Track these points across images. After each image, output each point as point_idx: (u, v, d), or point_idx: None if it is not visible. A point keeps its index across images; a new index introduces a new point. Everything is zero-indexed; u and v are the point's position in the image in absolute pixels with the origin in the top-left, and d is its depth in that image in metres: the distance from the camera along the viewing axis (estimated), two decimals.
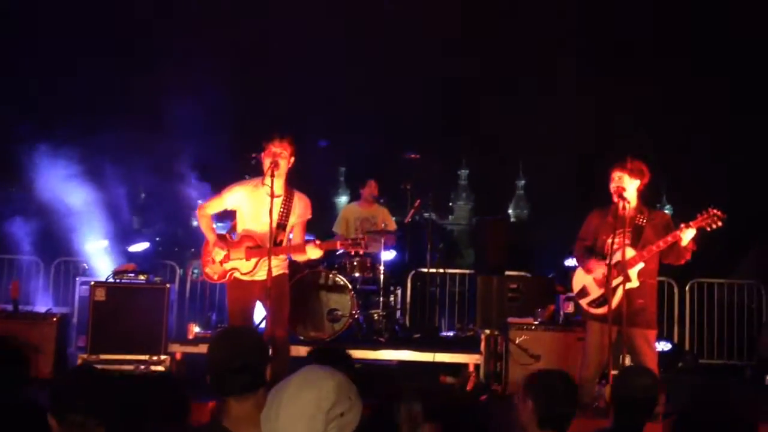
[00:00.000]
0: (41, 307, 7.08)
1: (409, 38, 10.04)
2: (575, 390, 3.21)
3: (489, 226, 9.31)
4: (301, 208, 5.39)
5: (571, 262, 7.14)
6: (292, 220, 5.35)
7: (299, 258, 5.40)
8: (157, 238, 9.88)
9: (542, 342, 6.57)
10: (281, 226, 5.24)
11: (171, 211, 10.27)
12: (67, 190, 8.42)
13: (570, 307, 6.96)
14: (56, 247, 8.83)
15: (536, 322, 6.76)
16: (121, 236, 9.45)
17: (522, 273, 8.35)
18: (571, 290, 5.70)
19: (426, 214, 9.36)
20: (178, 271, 9.21)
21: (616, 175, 5.17)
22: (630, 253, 5.02)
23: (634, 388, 3.34)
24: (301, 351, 6.14)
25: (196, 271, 8.30)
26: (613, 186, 5.17)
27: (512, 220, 12.30)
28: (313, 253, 5.24)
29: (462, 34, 9.78)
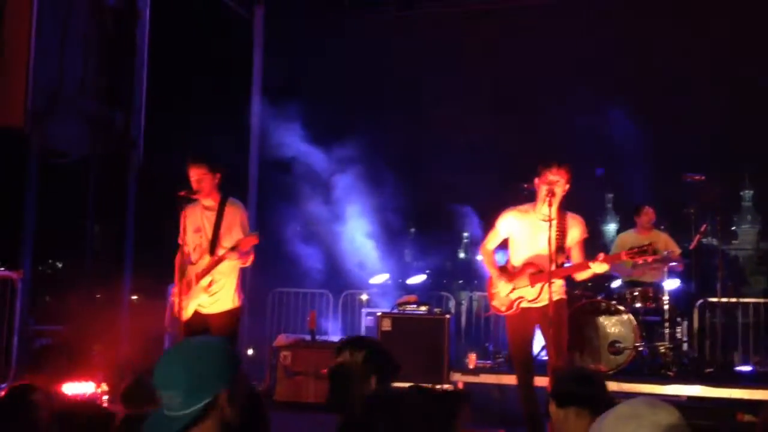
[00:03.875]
0: (334, 337, 7.65)
1: (676, 53, 9.45)
2: None
3: None
4: (576, 228, 5.28)
5: None
6: (568, 241, 5.26)
7: (582, 275, 5.29)
8: (428, 271, 10.26)
9: None
10: (559, 248, 5.18)
11: (439, 244, 10.61)
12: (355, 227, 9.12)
13: None
14: (342, 281, 9.52)
15: None
16: (398, 269, 9.96)
17: None
18: None
19: (706, 239, 8.74)
20: (453, 302, 9.47)
21: None
22: None
23: None
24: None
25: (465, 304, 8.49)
26: None
27: None
28: (599, 267, 5.09)
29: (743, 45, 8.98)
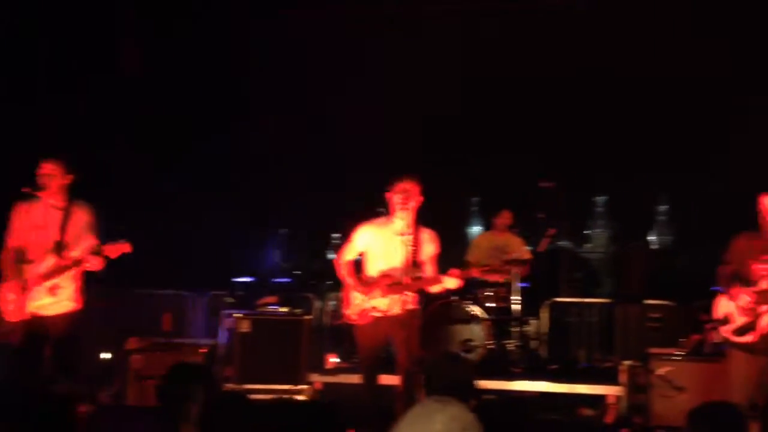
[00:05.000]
0: (191, 339, 7.52)
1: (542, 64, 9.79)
2: (742, 424, 3.06)
3: (629, 254, 9.11)
4: (430, 243, 5.42)
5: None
6: (423, 256, 5.42)
7: (435, 288, 5.46)
8: (296, 271, 10.27)
9: (687, 373, 6.29)
10: (414, 262, 5.33)
11: (308, 245, 10.63)
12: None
13: (718, 337, 6.65)
14: (207, 281, 9.32)
15: (681, 353, 6.50)
16: (265, 270, 9.89)
17: (664, 302, 8.06)
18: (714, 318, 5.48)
19: (561, 243, 9.29)
20: (319, 303, 9.50)
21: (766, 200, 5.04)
22: None
23: None
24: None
25: (333, 305, 8.55)
26: (763, 212, 5.01)
27: (655, 247, 11.87)
28: (451, 282, 5.28)
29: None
